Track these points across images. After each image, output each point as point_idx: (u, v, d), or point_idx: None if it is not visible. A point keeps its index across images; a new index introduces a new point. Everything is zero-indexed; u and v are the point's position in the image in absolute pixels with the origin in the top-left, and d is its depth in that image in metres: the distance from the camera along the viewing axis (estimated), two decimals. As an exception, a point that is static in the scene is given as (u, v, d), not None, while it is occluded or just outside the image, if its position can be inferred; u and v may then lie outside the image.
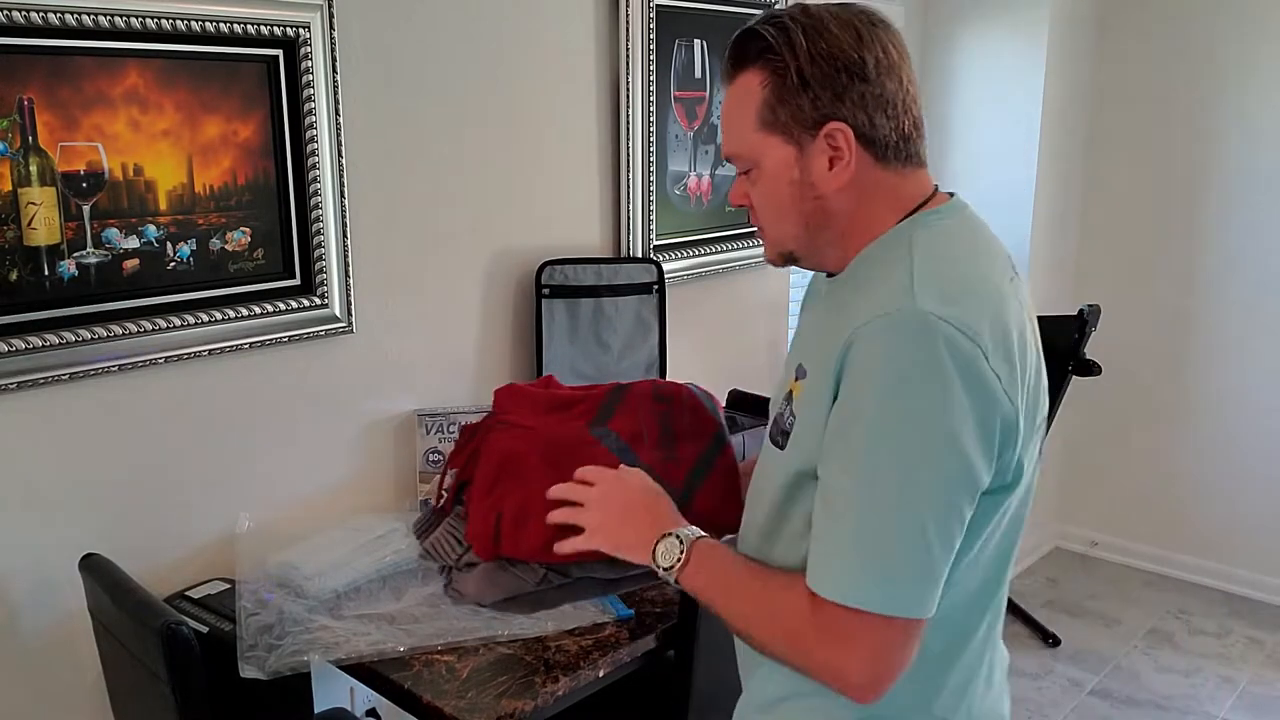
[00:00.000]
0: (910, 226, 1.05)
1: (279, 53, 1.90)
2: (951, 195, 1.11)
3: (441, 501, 1.50)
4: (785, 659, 1.05)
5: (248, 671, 1.60)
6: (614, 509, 1.19)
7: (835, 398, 0.98)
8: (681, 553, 1.10)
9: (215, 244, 1.88)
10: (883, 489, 0.95)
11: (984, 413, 0.94)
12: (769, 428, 1.15)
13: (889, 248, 1.04)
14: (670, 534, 1.12)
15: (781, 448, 1.09)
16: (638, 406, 1.43)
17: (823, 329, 1.06)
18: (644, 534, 1.14)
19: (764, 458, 1.18)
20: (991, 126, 3.51)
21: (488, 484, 1.40)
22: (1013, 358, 0.97)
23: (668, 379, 2.53)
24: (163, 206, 1.80)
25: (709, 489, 1.36)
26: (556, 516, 1.21)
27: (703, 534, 1.14)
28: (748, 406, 2.61)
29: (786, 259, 1.12)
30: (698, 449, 1.38)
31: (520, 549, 1.37)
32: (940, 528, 0.95)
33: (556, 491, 1.22)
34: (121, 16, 1.68)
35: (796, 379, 1.08)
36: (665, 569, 1.12)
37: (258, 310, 1.94)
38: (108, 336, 1.74)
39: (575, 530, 1.21)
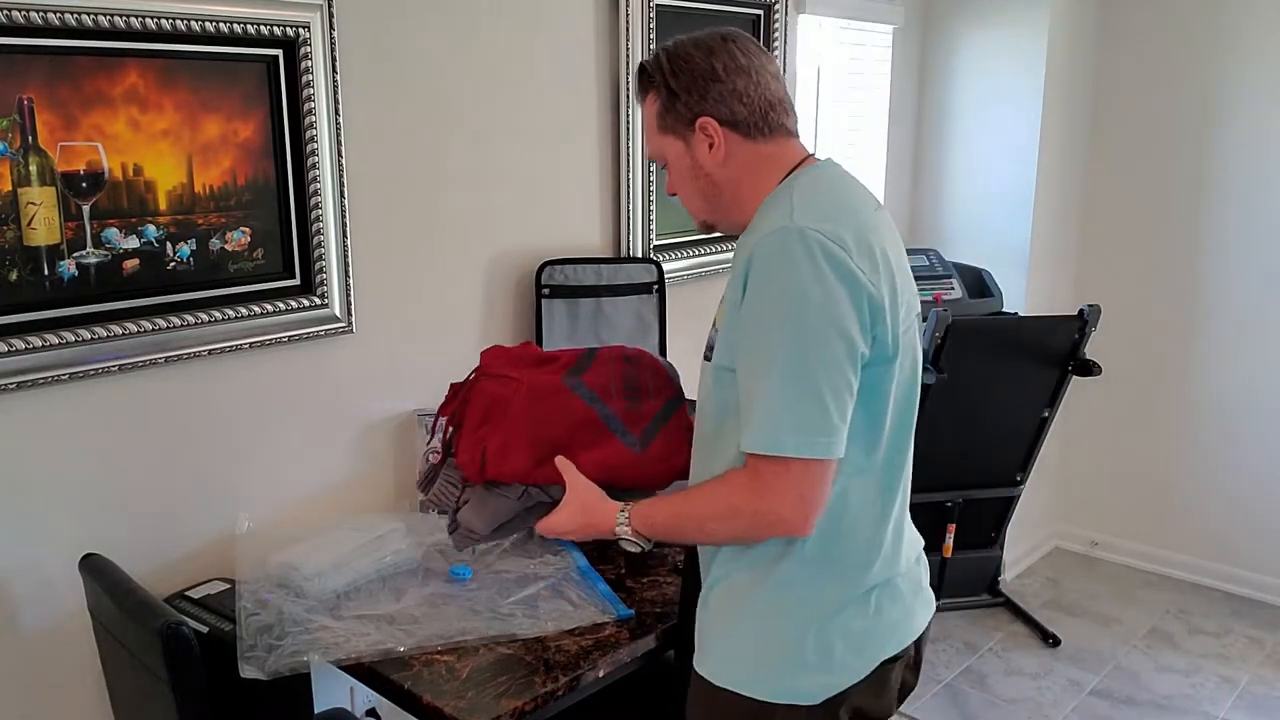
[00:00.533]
0: (791, 180, 1.33)
1: (279, 53, 1.90)
2: (827, 159, 1.38)
3: (438, 456, 1.68)
4: (736, 532, 1.30)
5: (247, 671, 1.60)
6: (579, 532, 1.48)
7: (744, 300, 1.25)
8: (626, 518, 1.39)
9: (215, 244, 1.88)
10: (785, 360, 1.20)
11: (854, 295, 1.20)
12: (703, 356, 1.40)
13: (776, 197, 1.32)
14: (619, 514, 1.40)
15: (710, 360, 1.36)
16: (606, 365, 1.61)
17: (734, 264, 1.34)
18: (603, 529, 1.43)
19: (700, 380, 1.42)
20: (992, 126, 3.51)
21: (475, 423, 1.58)
22: (874, 258, 1.24)
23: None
24: (162, 206, 1.80)
25: (664, 436, 1.55)
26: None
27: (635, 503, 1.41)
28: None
29: (705, 225, 1.44)
30: (658, 404, 1.58)
31: (504, 473, 1.54)
32: (832, 386, 1.20)
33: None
34: (121, 16, 1.67)
35: (720, 306, 1.36)
36: (621, 529, 1.40)
37: (258, 310, 1.94)
38: (108, 336, 1.74)
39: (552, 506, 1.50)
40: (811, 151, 1.39)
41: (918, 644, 1.44)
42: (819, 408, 1.19)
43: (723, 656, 1.34)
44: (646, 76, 1.39)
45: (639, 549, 1.40)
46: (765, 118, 1.34)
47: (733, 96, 1.33)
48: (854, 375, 1.21)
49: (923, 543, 1.50)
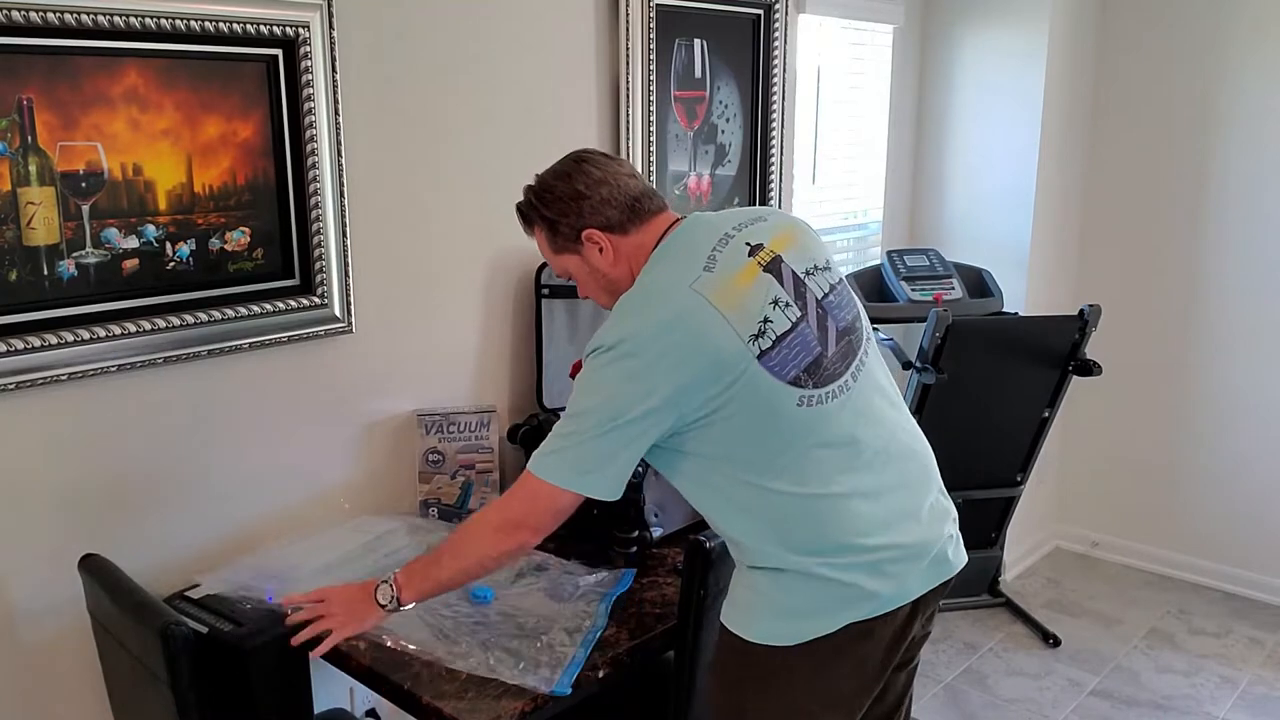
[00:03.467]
0: (638, 278, 1.53)
1: (279, 53, 1.90)
2: (680, 218, 1.58)
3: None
4: (487, 556, 1.55)
5: (202, 580, 1.74)
6: (339, 604, 1.65)
7: None
8: (391, 586, 1.60)
9: (215, 244, 1.88)
10: (578, 424, 1.45)
11: (644, 386, 1.40)
12: None
13: (619, 303, 1.52)
14: (378, 584, 1.61)
15: None
16: None
17: None
18: (363, 599, 1.62)
19: None
20: (992, 126, 3.51)
21: None
22: (669, 332, 1.41)
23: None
24: (162, 206, 1.79)
25: None
26: (304, 635, 1.63)
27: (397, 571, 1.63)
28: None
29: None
30: None
31: None
32: (613, 452, 1.43)
33: (296, 615, 1.67)
34: (121, 16, 1.67)
35: None
36: (388, 603, 1.60)
37: (257, 310, 1.94)
38: (107, 336, 1.74)
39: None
40: (677, 216, 1.59)
41: (917, 605, 1.53)
42: (591, 462, 1.45)
43: (730, 604, 1.55)
44: (524, 216, 1.63)
45: (392, 598, 1.60)
46: (633, 211, 1.55)
47: (602, 205, 1.55)
48: (629, 434, 1.42)
49: (911, 513, 1.55)
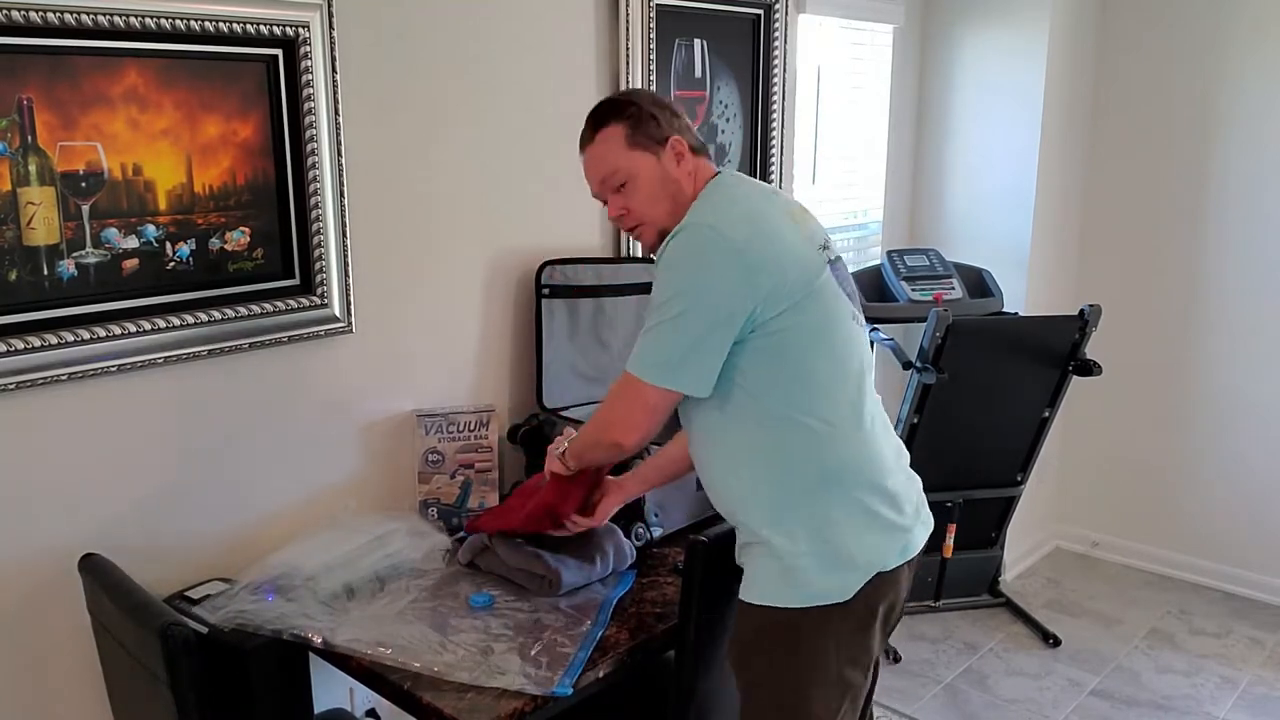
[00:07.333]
0: (706, 190, 1.65)
1: (279, 52, 1.90)
2: (727, 171, 1.72)
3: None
4: (590, 440, 1.72)
5: (200, 613, 1.71)
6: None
7: None
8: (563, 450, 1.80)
9: (215, 244, 1.88)
10: (662, 315, 1.52)
11: (732, 271, 1.50)
12: None
13: (695, 205, 1.63)
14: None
15: None
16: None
17: None
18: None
19: None
20: (992, 126, 3.51)
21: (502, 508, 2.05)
22: (763, 237, 1.53)
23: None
24: (162, 206, 1.79)
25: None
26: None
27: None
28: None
29: (661, 235, 1.63)
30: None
31: (485, 525, 2.00)
32: (698, 340, 1.51)
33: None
34: (121, 16, 1.67)
35: None
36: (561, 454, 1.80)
37: (257, 310, 1.94)
38: (107, 336, 1.74)
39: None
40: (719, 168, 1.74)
41: (907, 566, 1.64)
42: (677, 353, 1.52)
43: (751, 582, 1.59)
44: (618, 108, 1.67)
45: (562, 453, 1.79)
46: (702, 147, 1.70)
47: (687, 130, 1.69)
48: (722, 330, 1.51)
49: (899, 464, 1.68)
